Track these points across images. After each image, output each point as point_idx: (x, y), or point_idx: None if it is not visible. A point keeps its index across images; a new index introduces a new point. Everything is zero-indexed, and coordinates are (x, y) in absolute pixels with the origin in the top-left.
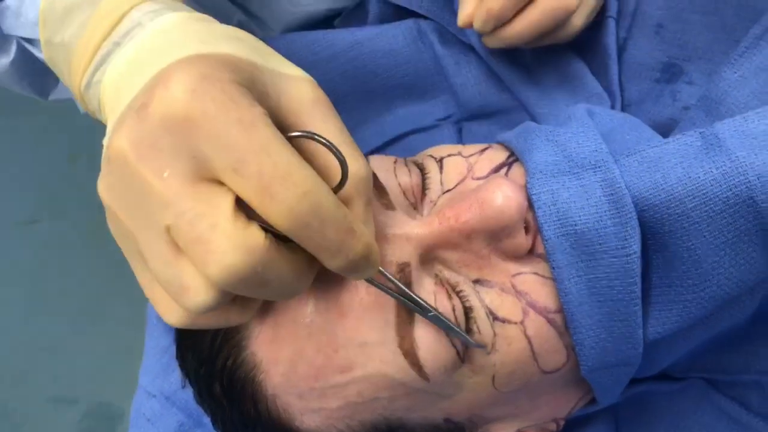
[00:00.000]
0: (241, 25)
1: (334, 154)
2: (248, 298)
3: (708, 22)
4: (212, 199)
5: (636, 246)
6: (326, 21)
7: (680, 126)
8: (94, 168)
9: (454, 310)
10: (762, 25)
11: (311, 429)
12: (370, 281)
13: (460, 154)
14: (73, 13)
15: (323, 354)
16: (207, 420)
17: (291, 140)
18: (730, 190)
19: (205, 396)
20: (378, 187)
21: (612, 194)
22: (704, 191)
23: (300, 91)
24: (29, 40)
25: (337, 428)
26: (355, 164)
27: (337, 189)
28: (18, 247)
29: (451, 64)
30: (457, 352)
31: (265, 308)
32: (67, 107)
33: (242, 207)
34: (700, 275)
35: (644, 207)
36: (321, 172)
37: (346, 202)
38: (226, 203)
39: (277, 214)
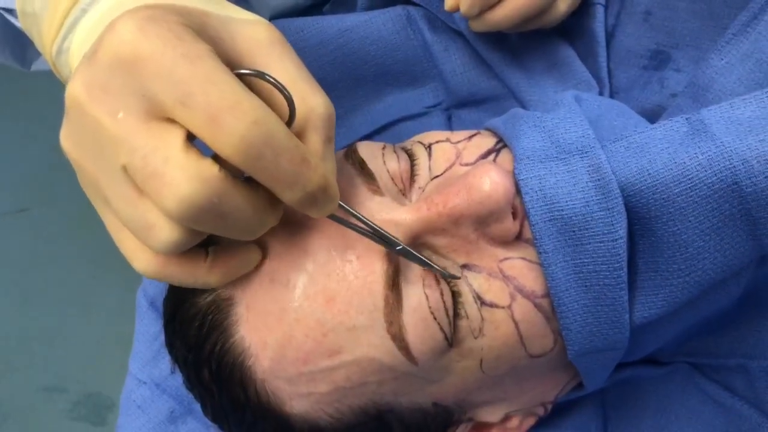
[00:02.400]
0: None
1: (280, 90)
2: (218, 258)
3: (696, 9)
4: (164, 134)
5: (622, 231)
6: (315, 7)
7: (667, 113)
8: None
9: (442, 294)
10: (749, 12)
11: (300, 413)
12: (332, 218)
13: (448, 140)
14: None
15: (312, 338)
16: (198, 407)
17: (241, 79)
18: (716, 175)
19: (194, 382)
20: (366, 173)
21: (599, 180)
22: (690, 176)
23: (254, 32)
24: (9, 10)
25: (326, 412)
26: (313, 100)
27: (288, 124)
28: (6, 236)
29: (441, 51)
30: (445, 336)
31: (253, 294)
32: (54, 94)
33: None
34: (685, 260)
35: (630, 192)
36: (276, 110)
37: (299, 136)
38: (178, 137)
39: (228, 145)
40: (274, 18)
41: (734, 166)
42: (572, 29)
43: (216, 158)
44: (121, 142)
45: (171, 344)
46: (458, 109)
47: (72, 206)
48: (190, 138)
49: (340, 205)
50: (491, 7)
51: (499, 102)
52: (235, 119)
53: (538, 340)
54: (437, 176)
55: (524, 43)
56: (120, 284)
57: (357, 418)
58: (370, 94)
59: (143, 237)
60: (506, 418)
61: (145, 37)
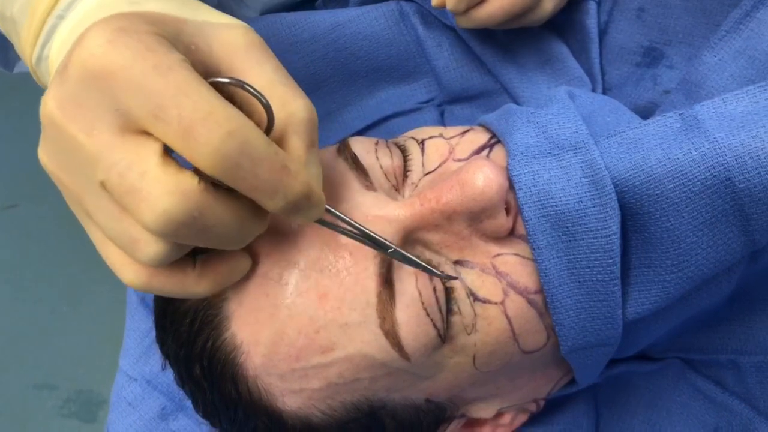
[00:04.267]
0: (220, 6)
1: (256, 97)
2: (207, 267)
3: (688, 6)
4: (139, 149)
5: (615, 227)
6: (307, 2)
7: (660, 109)
8: None
9: (435, 290)
10: (742, 9)
11: (293, 410)
12: (322, 223)
13: (441, 135)
14: None
15: (304, 335)
16: (189, 403)
17: (218, 88)
18: (709, 171)
19: (185, 379)
20: (359, 169)
21: (592, 175)
22: (683, 172)
23: (232, 37)
24: None
25: (318, 409)
26: (293, 104)
27: (267, 132)
28: None
29: (433, 47)
30: (438, 333)
31: (245, 290)
32: (43, 90)
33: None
34: (678, 255)
35: (624, 188)
36: (256, 118)
37: (279, 143)
38: (154, 151)
39: (203, 156)
40: (266, 12)
41: (727, 162)
42: (565, 25)
43: (196, 170)
44: (97, 159)
45: (162, 341)
46: (451, 105)
47: (62, 203)
48: (168, 150)
49: (328, 210)
50: (478, 3)
51: (492, 98)
52: (208, 131)
53: (531, 335)
54: (430, 172)
55: (517, 39)
56: (110, 281)
57: (349, 414)
58: (363, 89)
59: (129, 251)
60: (499, 414)
61: (115, 49)
